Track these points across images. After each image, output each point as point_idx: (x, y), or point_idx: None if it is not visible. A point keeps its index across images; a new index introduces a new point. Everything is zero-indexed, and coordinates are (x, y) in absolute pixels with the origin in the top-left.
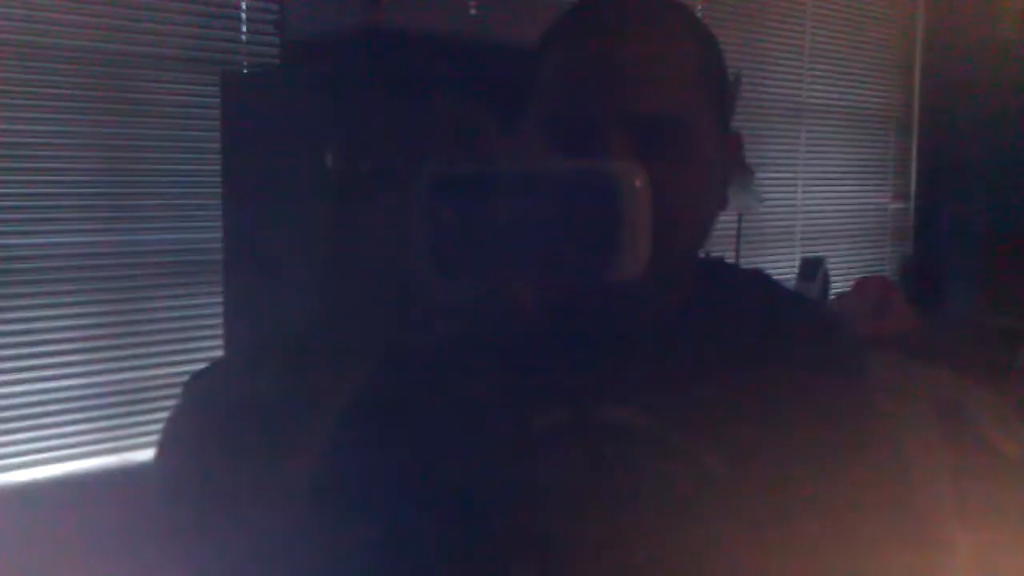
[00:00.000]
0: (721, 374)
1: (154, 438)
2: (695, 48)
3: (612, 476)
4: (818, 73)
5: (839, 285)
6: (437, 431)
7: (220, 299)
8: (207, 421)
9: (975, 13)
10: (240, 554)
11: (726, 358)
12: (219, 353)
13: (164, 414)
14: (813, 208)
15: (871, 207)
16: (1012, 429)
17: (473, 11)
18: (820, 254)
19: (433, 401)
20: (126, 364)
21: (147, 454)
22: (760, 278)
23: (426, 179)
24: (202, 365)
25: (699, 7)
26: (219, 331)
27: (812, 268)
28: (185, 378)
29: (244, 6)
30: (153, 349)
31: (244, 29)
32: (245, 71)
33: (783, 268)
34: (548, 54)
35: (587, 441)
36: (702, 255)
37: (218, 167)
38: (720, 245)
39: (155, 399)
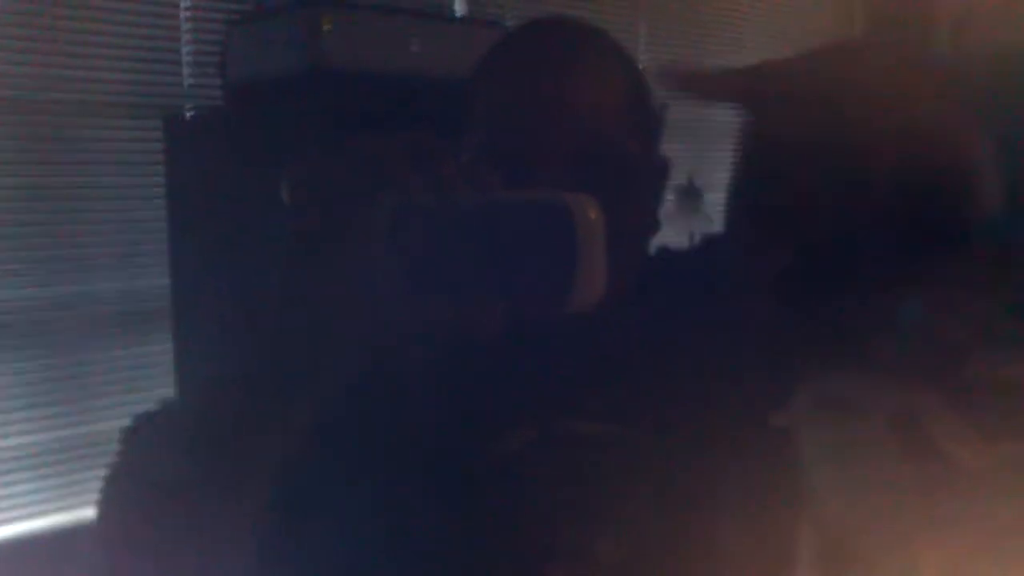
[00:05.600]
0: (669, 370)
1: None
2: (621, 75)
3: (583, 486)
4: None
5: None
6: (405, 455)
7: (170, 347)
8: (148, 473)
9: (910, 26)
10: None
11: (672, 353)
12: None
13: None
14: None
15: None
16: (967, 438)
17: (415, 48)
18: None
19: (401, 425)
20: (74, 419)
21: None
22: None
23: (387, 211)
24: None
25: (642, 31)
26: (170, 380)
27: None
28: None
29: (185, 50)
30: (102, 401)
31: (186, 72)
32: (188, 115)
33: None
34: (479, 87)
35: (555, 455)
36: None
37: (163, 212)
38: None
39: (106, 453)
